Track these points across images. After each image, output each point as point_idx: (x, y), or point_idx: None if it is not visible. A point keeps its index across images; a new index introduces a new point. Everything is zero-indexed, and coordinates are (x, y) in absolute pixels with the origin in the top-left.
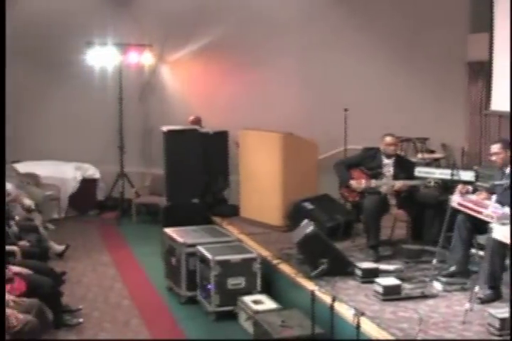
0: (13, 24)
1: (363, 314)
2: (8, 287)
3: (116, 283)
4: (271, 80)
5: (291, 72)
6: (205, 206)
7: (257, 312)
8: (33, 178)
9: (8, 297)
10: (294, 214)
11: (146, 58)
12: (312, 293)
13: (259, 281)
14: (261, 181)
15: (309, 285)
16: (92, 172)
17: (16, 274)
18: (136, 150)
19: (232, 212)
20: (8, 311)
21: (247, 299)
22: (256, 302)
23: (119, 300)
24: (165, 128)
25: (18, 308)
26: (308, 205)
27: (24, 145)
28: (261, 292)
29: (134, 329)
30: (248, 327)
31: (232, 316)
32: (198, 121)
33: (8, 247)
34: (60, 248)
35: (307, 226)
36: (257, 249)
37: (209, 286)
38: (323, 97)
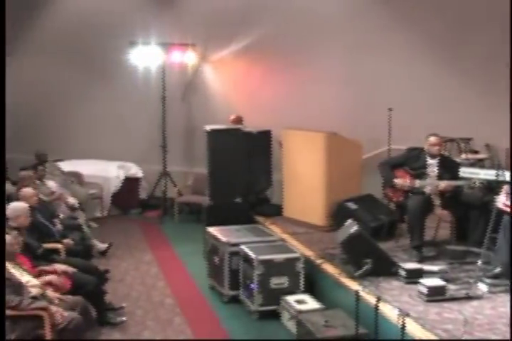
0: (57, 24)
1: (407, 315)
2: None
3: (158, 282)
4: (314, 80)
5: (334, 72)
6: (248, 205)
7: (300, 311)
8: (76, 177)
9: (54, 294)
10: (338, 214)
11: (189, 57)
12: (356, 293)
13: (302, 281)
14: (304, 181)
15: (353, 285)
16: (135, 171)
17: (61, 272)
18: (178, 150)
19: (275, 211)
20: (53, 308)
21: (290, 299)
22: (299, 301)
23: (162, 298)
24: (208, 128)
25: (63, 306)
26: (352, 205)
27: (68, 144)
28: (304, 292)
29: (177, 328)
30: (291, 326)
31: (275, 316)
32: (239, 120)
33: (52, 245)
34: (103, 246)
35: (351, 226)
36: (300, 249)
37: (252, 285)
38: (367, 97)
